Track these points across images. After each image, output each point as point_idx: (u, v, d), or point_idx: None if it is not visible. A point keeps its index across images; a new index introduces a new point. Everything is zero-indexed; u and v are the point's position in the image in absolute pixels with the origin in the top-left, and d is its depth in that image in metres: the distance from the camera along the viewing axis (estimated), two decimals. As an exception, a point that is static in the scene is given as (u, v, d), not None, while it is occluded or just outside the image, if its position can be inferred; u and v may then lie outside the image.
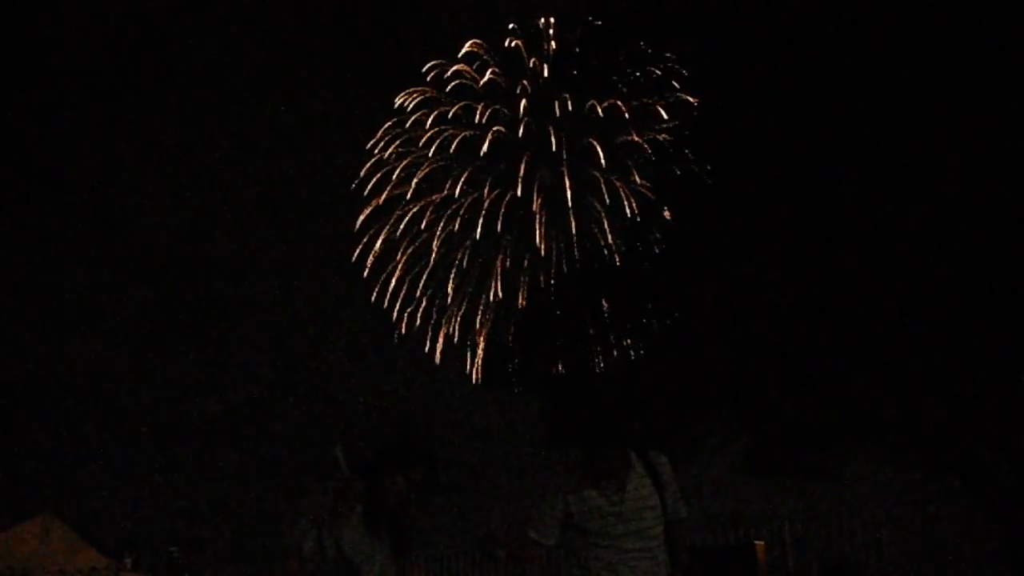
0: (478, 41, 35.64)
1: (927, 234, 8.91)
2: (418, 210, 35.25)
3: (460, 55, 35.60)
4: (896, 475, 11.31)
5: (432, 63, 35.59)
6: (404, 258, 35.67)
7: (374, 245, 36.08)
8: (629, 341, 12.02)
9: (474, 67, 35.04)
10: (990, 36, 8.32)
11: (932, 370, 9.43)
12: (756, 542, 9.90)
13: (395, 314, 36.13)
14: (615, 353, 12.38)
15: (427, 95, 34.97)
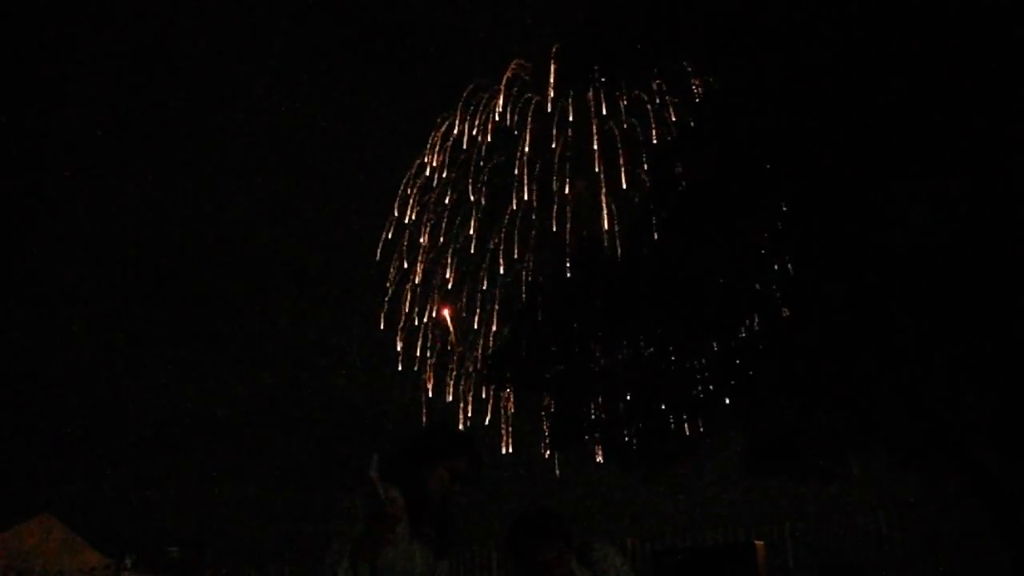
0: (521, 62, 34.54)
1: (928, 233, 8.91)
2: (445, 262, 34.15)
3: (505, 78, 34.49)
4: (896, 475, 11.30)
5: (473, 85, 34.36)
6: (429, 317, 34.43)
7: (402, 309, 34.81)
8: (628, 341, 12.01)
9: (513, 90, 33.94)
10: (993, 33, 8.31)
11: (932, 370, 9.43)
12: (756, 542, 9.92)
13: (428, 385, 34.92)
14: (616, 353, 12.37)
15: (457, 122, 33.88)
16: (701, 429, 11.46)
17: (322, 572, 2.76)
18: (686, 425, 11.45)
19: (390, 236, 33.34)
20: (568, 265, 14.19)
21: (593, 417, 11.90)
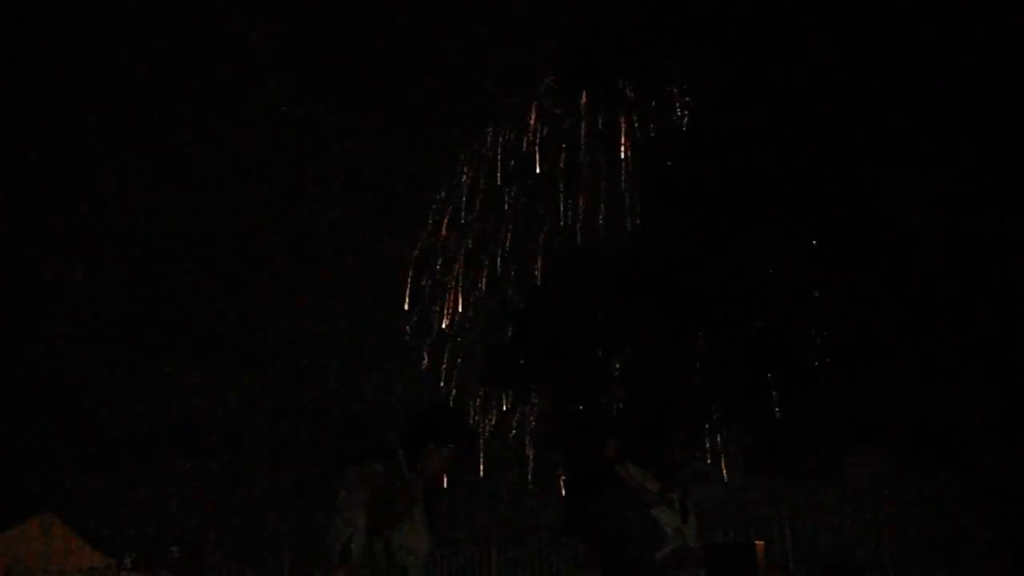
0: (550, 78, 33.87)
1: (930, 233, 8.90)
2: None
3: (541, 91, 33.92)
4: (896, 475, 11.30)
5: (501, 104, 33.80)
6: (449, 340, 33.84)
7: (430, 335, 34.06)
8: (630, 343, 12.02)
9: (544, 105, 33.44)
10: (990, 30, 8.31)
11: (932, 370, 9.43)
12: (756, 542, 9.89)
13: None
14: (617, 353, 12.37)
15: (488, 141, 33.35)
16: (702, 429, 11.46)
17: (330, 542, 2.67)
18: (687, 425, 11.45)
19: (418, 254, 33.06)
20: (570, 267, 14.18)
21: (594, 416, 11.90)
